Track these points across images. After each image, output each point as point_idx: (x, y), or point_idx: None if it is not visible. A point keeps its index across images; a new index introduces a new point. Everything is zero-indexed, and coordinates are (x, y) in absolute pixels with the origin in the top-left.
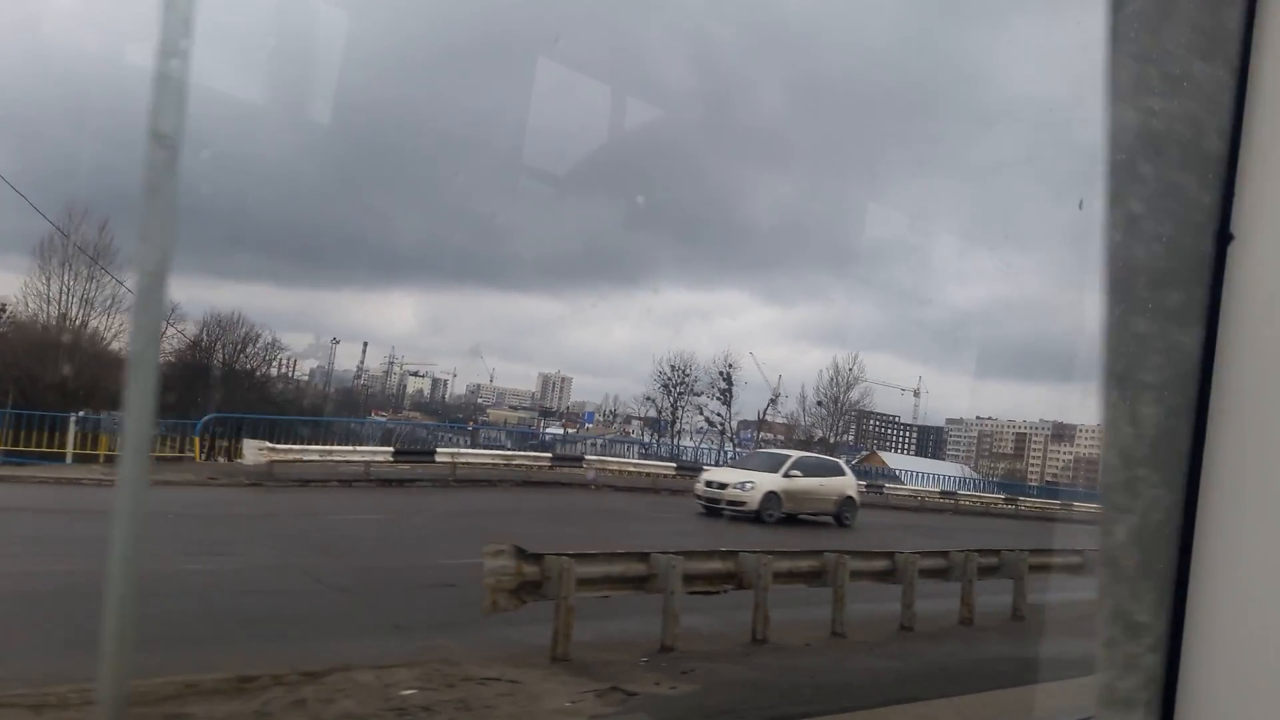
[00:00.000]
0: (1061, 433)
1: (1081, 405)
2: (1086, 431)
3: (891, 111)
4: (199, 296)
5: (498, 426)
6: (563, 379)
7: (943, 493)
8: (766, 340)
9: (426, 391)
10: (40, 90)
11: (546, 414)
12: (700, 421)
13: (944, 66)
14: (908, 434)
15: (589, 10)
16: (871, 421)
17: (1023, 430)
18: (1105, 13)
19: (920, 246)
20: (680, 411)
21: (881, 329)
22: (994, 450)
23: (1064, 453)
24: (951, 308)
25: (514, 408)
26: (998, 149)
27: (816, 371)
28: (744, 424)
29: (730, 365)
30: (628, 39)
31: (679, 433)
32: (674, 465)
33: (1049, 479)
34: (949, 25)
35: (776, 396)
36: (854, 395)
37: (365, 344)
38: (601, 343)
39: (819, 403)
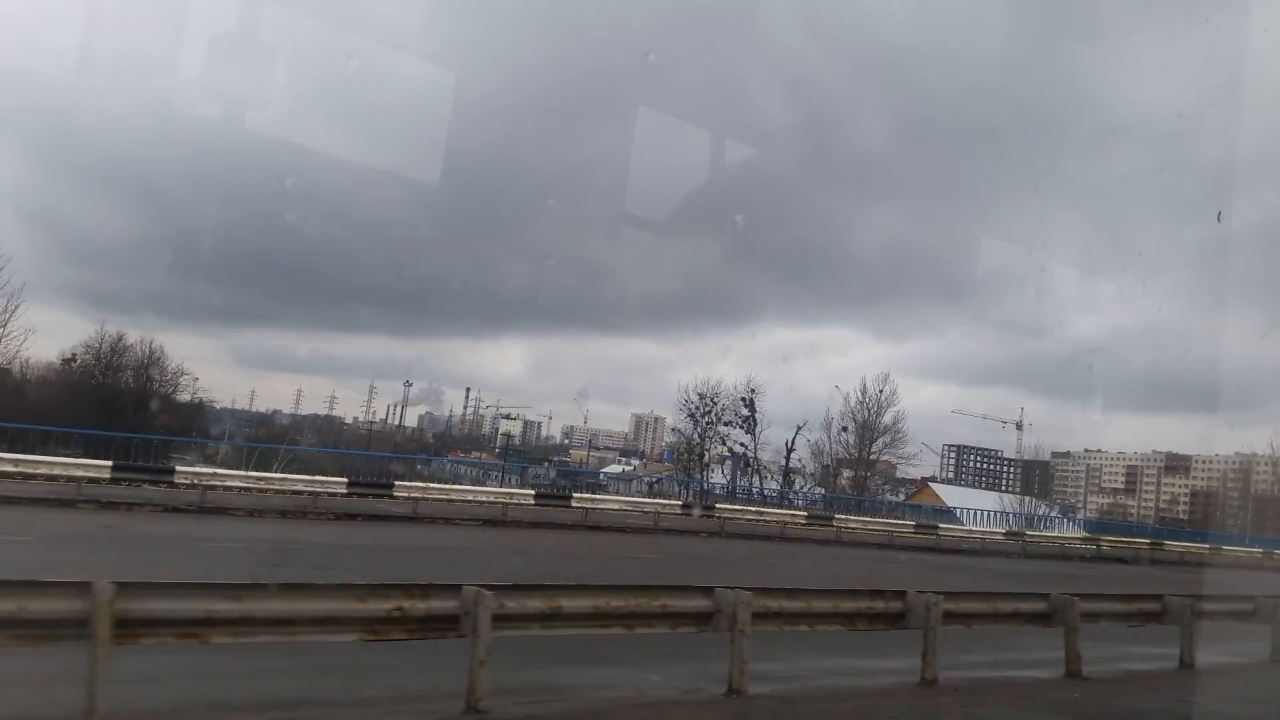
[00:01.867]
0: (1175, 464)
1: (1203, 435)
2: (1204, 462)
3: (1003, 134)
4: (320, 349)
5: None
6: (655, 419)
7: (1008, 533)
8: (875, 375)
9: (517, 434)
10: (167, 158)
11: (626, 454)
12: (723, 451)
13: (1057, 85)
14: (1011, 469)
15: (686, 52)
16: (972, 456)
17: (1134, 463)
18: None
19: (1038, 274)
20: (708, 442)
21: (997, 362)
22: (1102, 485)
23: (1178, 485)
24: (1070, 338)
25: (596, 448)
26: (1118, 167)
27: (923, 406)
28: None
29: (753, 391)
30: (726, 78)
31: (707, 467)
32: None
33: (1161, 513)
34: (1061, 42)
35: (802, 426)
36: (887, 419)
37: (468, 390)
38: (706, 383)
39: (844, 428)
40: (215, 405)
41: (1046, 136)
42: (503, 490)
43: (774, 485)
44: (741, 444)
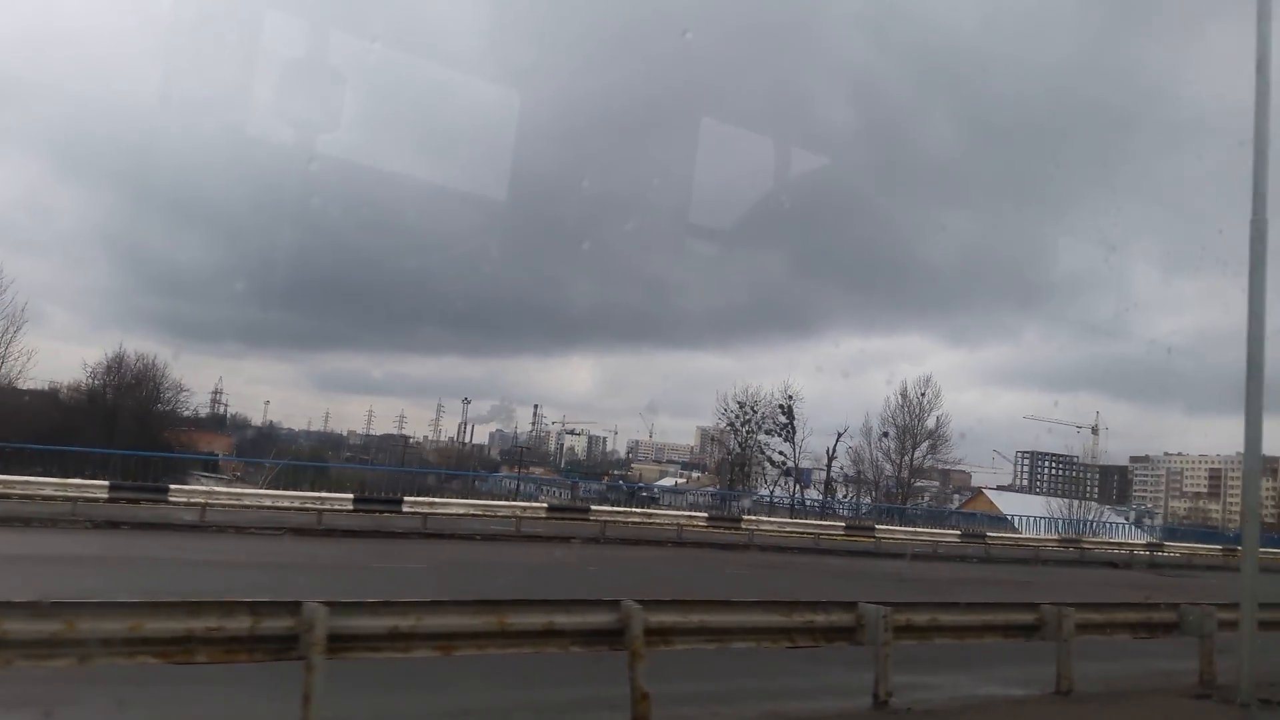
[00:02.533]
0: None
1: None
2: None
3: (1075, 134)
4: (394, 371)
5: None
6: (720, 432)
7: (1062, 540)
8: (953, 385)
9: (582, 449)
10: (243, 187)
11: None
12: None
13: (1129, 82)
14: (1087, 475)
15: (749, 61)
16: (1047, 463)
17: (1216, 466)
18: None
19: (1116, 275)
20: (749, 452)
21: (1076, 366)
22: (1183, 489)
23: (1267, 489)
24: (1151, 339)
25: (660, 462)
26: (1196, 163)
27: (1007, 414)
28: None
29: (790, 397)
30: (790, 87)
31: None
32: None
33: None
34: (1132, 40)
35: (843, 432)
36: (930, 423)
37: (535, 406)
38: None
39: (884, 434)
40: (284, 427)
41: (1121, 135)
42: (517, 505)
43: (816, 495)
44: (781, 453)
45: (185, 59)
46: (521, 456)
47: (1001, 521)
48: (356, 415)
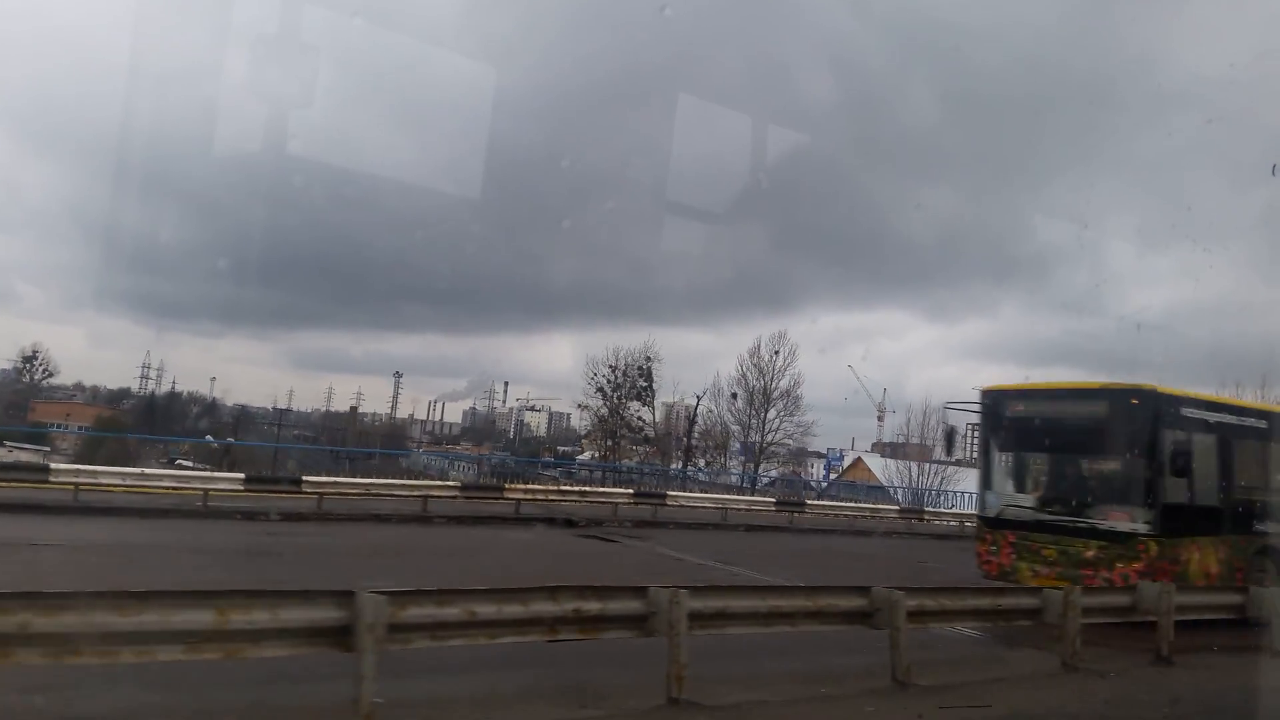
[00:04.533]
0: None
1: None
2: None
3: (1054, 106)
4: (374, 349)
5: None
6: (685, 406)
7: (903, 510)
8: (932, 360)
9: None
10: (216, 164)
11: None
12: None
13: (1109, 54)
14: None
15: (725, 35)
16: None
17: None
18: None
19: (1093, 249)
20: (618, 419)
21: (1053, 341)
22: None
23: None
24: (1127, 314)
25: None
26: (1173, 136)
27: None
28: None
29: (649, 359)
30: (767, 61)
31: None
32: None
33: None
34: (1112, 9)
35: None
36: (784, 384)
37: (506, 384)
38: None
39: (733, 395)
40: (232, 404)
41: (1099, 107)
42: (426, 484)
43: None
44: (641, 419)
45: (155, 30)
46: (472, 434)
47: (879, 491)
48: (341, 394)
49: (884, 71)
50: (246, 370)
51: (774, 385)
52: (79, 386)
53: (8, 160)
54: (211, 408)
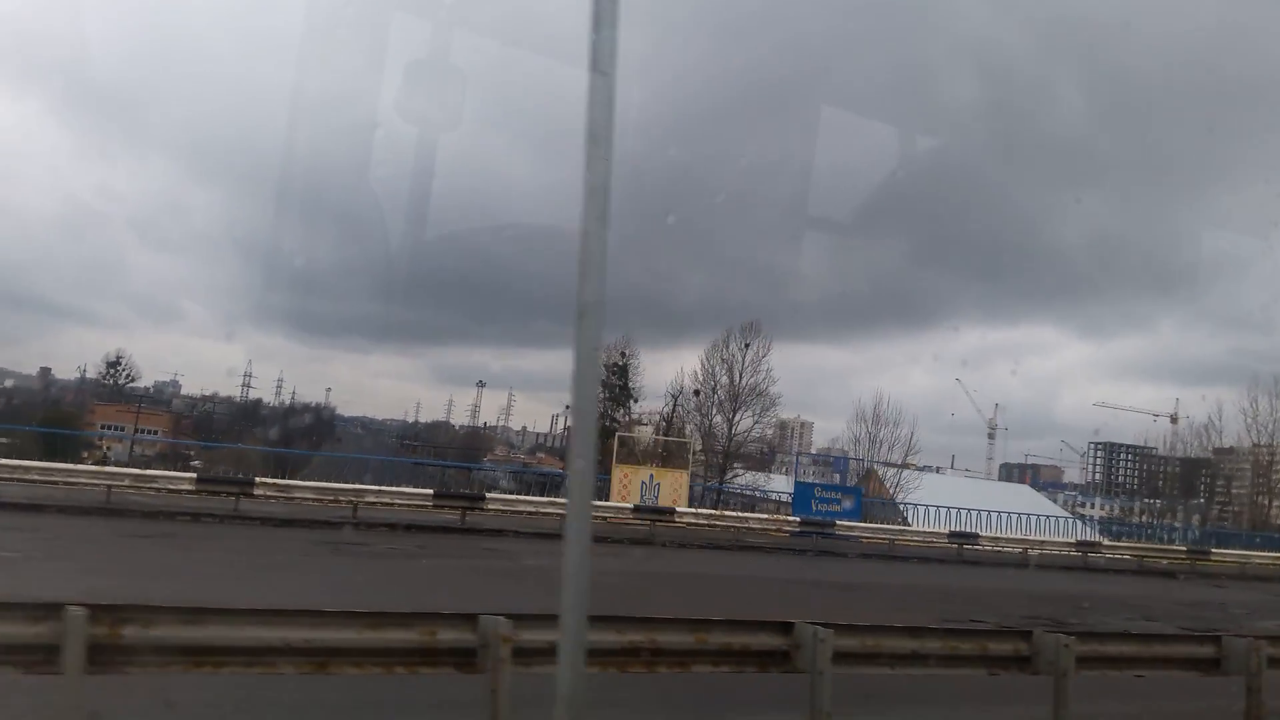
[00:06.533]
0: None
1: None
2: None
3: (1217, 108)
4: (510, 365)
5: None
6: (801, 424)
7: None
8: (1086, 378)
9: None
10: (363, 182)
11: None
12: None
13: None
14: (1166, 468)
15: (867, 44)
16: (1124, 455)
17: None
18: None
19: (1266, 262)
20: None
21: (1219, 360)
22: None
23: None
24: None
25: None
26: None
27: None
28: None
29: (624, 354)
30: (909, 67)
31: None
32: None
33: None
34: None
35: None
36: (752, 381)
37: (631, 399)
38: (901, 389)
39: (695, 391)
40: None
41: (1272, 107)
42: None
43: None
44: (615, 419)
45: (314, 60)
46: (553, 445)
47: (889, 507)
48: (463, 407)
49: (1031, 71)
50: (396, 385)
51: (741, 382)
52: (160, 391)
53: (175, 186)
54: (315, 417)
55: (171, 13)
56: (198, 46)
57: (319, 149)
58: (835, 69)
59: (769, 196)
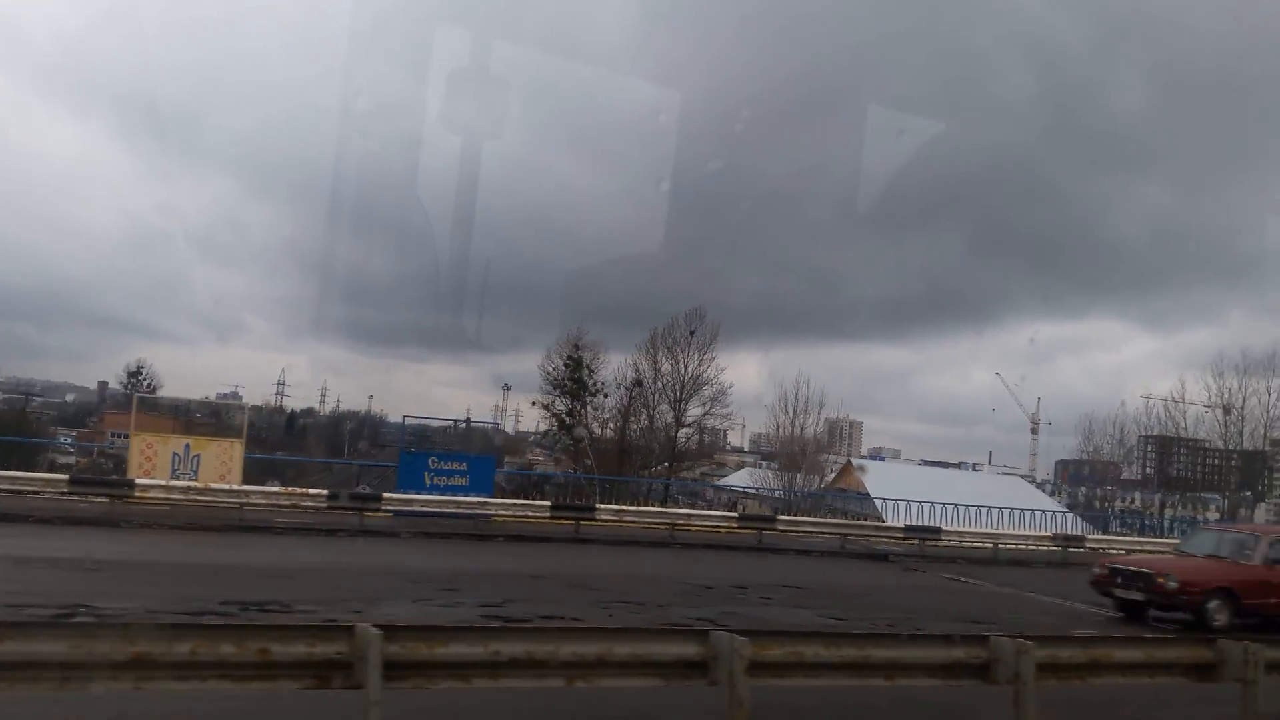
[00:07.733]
0: None
1: None
2: None
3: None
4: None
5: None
6: (850, 423)
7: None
8: (1151, 373)
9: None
10: (413, 192)
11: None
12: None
13: None
14: (1221, 461)
15: (917, 31)
16: (1178, 450)
17: None
18: None
19: None
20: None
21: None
22: None
23: None
24: None
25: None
26: None
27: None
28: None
29: (578, 347)
30: (957, 55)
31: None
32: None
33: None
34: None
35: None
36: (696, 372)
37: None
38: (961, 388)
39: (637, 382)
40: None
41: None
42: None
43: None
44: (570, 415)
45: (362, 73)
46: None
47: (862, 499)
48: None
49: (1087, 57)
50: (455, 394)
51: (686, 371)
52: (181, 399)
53: (235, 203)
54: (360, 425)
55: (222, 32)
56: (248, 64)
57: (369, 160)
58: (886, 62)
59: (821, 196)
